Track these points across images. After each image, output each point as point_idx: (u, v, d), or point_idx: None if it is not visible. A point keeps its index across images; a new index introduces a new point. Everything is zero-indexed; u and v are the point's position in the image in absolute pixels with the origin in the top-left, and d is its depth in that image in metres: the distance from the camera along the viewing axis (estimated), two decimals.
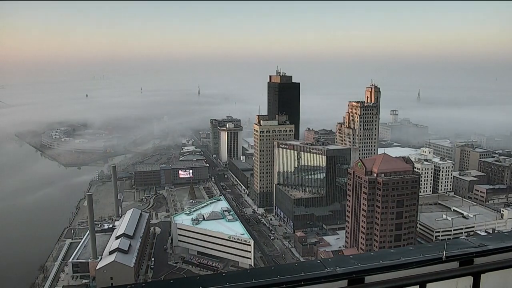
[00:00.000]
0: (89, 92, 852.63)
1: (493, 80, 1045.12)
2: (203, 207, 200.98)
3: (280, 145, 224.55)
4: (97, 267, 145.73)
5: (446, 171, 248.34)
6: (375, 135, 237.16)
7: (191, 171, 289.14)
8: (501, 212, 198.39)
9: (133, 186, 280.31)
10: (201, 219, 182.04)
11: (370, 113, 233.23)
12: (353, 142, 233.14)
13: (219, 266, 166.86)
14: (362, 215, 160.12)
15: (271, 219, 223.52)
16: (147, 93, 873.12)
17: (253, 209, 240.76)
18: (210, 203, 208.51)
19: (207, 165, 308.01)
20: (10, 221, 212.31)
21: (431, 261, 10.45)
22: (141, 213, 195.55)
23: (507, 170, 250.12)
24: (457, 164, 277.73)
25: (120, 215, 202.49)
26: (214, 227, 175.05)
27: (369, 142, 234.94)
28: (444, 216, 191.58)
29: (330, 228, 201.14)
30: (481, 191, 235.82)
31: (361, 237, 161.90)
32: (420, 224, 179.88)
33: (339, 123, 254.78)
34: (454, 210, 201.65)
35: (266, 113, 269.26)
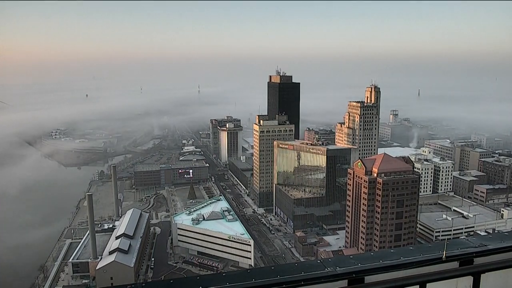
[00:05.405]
0: (89, 92, 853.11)
1: (494, 79, 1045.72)
2: (203, 207, 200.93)
3: (280, 145, 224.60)
4: (97, 267, 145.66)
5: (446, 171, 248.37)
6: (375, 135, 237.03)
7: (191, 171, 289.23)
8: (501, 212, 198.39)
9: (133, 186, 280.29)
10: (201, 219, 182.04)
11: (370, 113, 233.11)
12: (353, 142, 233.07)
13: (219, 266, 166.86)
14: (362, 215, 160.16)
15: (271, 219, 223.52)
16: (147, 93, 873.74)
17: (253, 209, 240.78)
18: (210, 203, 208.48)
19: (207, 165, 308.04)
20: (10, 221, 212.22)
21: (431, 261, 10.46)
22: (141, 213, 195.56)
23: (507, 170, 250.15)
24: (457, 164, 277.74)
25: (120, 215, 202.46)
26: (214, 227, 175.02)
27: (369, 142, 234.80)
28: (444, 216, 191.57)
29: (330, 228, 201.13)
30: (481, 191, 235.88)
31: (361, 237, 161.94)
32: (420, 224, 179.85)
33: (339, 123, 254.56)
34: (454, 210, 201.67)
35: (266, 113, 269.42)
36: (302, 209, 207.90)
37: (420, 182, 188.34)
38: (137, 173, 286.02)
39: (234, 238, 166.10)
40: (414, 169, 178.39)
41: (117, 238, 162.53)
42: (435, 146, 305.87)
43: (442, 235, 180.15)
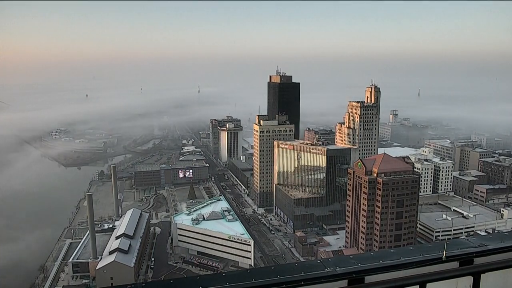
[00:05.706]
0: (89, 92, 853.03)
1: (494, 79, 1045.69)
2: (203, 207, 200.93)
3: (280, 145, 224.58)
4: (97, 267, 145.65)
5: (446, 171, 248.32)
6: (375, 135, 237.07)
7: (191, 171, 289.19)
8: (501, 212, 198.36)
9: (133, 186, 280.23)
10: (201, 219, 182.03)
11: (370, 113, 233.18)
12: (353, 142, 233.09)
13: (219, 266, 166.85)
14: (362, 215, 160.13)
15: (271, 219, 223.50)
16: (147, 93, 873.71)
17: (253, 209, 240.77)
18: (210, 203, 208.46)
19: (207, 165, 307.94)
20: (10, 221, 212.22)
21: (431, 261, 10.45)
22: (141, 213, 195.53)
23: (507, 170, 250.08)
24: (457, 164, 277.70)
25: (120, 215, 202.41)
26: (214, 227, 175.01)
27: (369, 142, 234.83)
28: (444, 216, 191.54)
29: (330, 228, 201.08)
30: (481, 191, 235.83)
31: (361, 237, 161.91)
32: (420, 224, 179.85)
33: (339, 123, 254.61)
34: (454, 210, 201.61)
35: (266, 113, 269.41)
36: (302, 209, 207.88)
37: (420, 182, 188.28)
38: (137, 173, 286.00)
39: (234, 238, 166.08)
40: (414, 169, 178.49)
41: (117, 238, 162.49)
42: (435, 146, 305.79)
43: (442, 235, 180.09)
